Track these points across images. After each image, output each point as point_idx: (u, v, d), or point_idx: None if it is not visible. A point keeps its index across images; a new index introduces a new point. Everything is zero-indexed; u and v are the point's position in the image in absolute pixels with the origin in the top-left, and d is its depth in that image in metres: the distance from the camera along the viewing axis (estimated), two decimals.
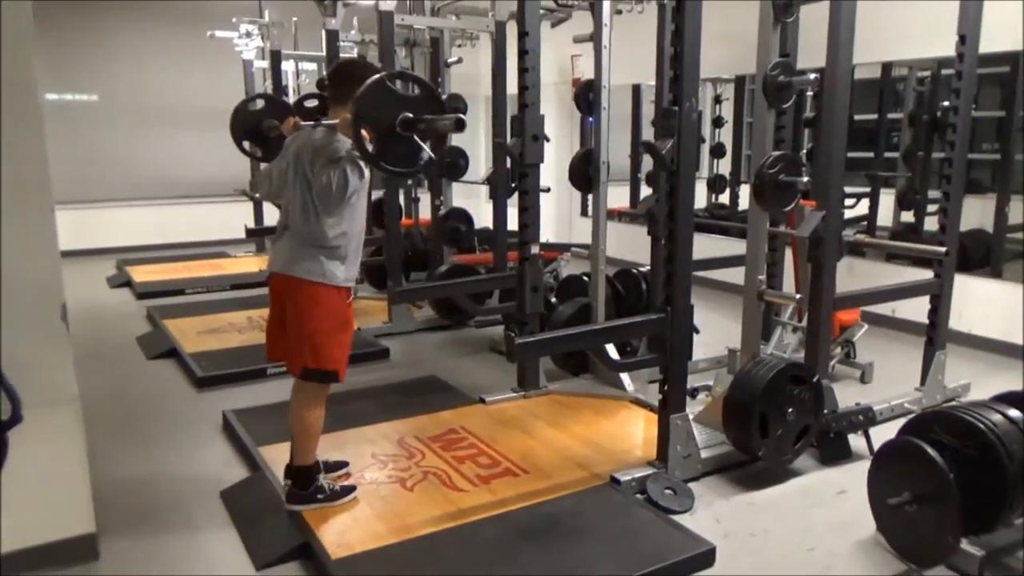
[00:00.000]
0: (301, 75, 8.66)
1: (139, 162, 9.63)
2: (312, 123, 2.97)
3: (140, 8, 9.19)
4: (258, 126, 3.96)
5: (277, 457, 3.44)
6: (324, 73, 6.79)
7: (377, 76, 2.63)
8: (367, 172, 2.80)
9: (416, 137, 2.63)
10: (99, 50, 9.27)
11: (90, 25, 9.09)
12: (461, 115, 2.63)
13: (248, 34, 8.15)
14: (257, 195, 8.22)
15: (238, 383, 4.65)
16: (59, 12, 8.62)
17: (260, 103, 4.05)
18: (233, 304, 6.57)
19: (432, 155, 2.68)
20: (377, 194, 6.34)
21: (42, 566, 2.66)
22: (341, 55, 6.50)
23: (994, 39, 4.24)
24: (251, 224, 8.69)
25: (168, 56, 9.54)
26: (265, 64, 8.43)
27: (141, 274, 7.76)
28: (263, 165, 3.12)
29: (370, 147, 2.65)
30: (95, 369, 4.83)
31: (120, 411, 4.27)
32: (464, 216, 6.63)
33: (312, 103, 6.96)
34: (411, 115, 2.62)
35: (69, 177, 7.75)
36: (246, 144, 3.91)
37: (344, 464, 3.34)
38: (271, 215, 8.74)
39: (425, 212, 6.95)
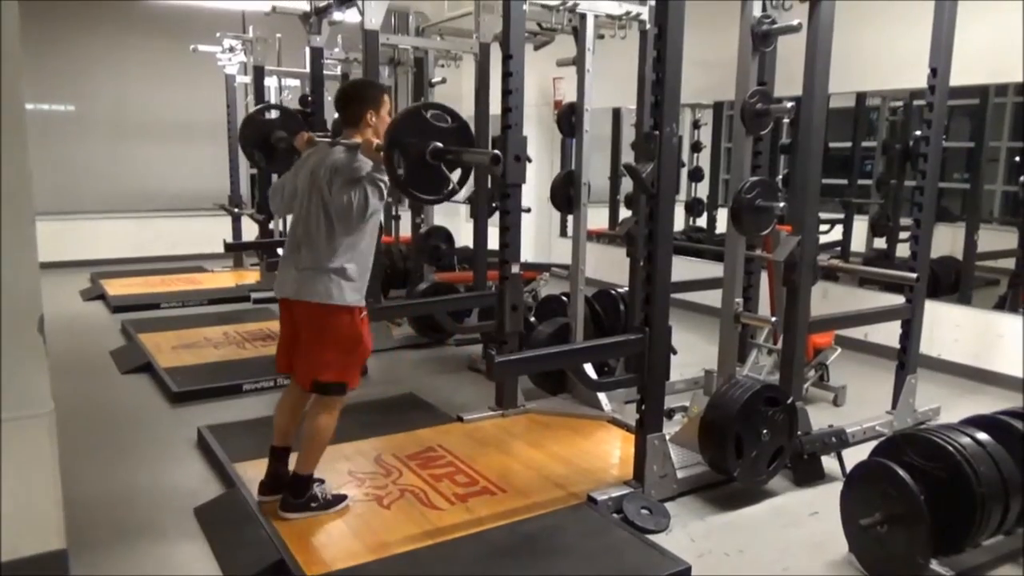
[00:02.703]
0: (284, 91, 8.67)
1: (117, 174, 9.56)
2: (329, 140, 3.03)
3: (122, 19, 9.16)
4: (268, 137, 3.98)
5: (252, 474, 3.42)
6: (307, 90, 6.82)
7: (413, 105, 2.76)
8: (386, 193, 2.86)
9: (444, 167, 2.74)
10: (79, 61, 9.22)
11: (70, 35, 9.05)
12: (497, 152, 2.70)
13: (231, 49, 8.15)
14: (249, 210, 8.20)
15: (214, 399, 4.61)
16: (39, 21, 8.59)
17: (274, 114, 4.08)
18: (210, 319, 6.53)
19: (457, 186, 2.78)
20: None
21: None
22: (325, 73, 6.53)
23: (965, 72, 4.36)
24: (230, 239, 8.64)
25: (149, 68, 9.50)
26: (248, 79, 8.43)
27: (116, 287, 7.67)
28: (275, 178, 3.18)
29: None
30: (67, 383, 4.74)
31: (93, 426, 4.21)
32: (445, 234, 6.65)
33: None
34: (441, 145, 2.72)
35: (44, 188, 7.67)
36: (255, 153, 3.97)
37: (320, 481, 3.32)
38: (250, 230, 8.71)
39: (405, 230, 6.96)
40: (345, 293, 2.92)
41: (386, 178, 2.85)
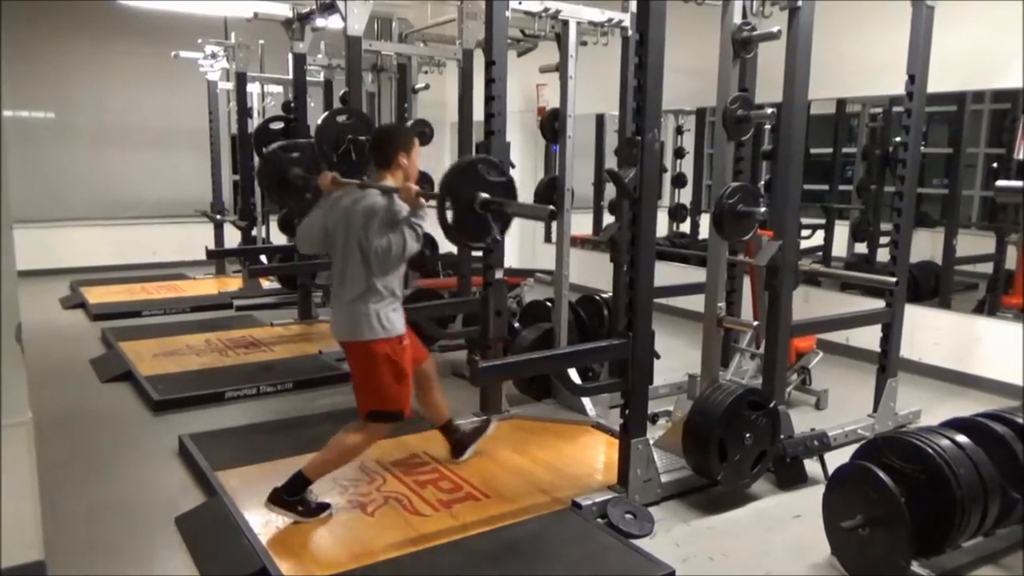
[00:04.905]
0: (266, 97, 8.63)
1: (98, 181, 9.47)
2: (358, 182, 3.17)
3: (103, 25, 9.08)
4: (285, 174, 4.07)
5: (234, 482, 3.40)
6: (290, 96, 6.80)
7: (467, 158, 2.96)
8: (421, 236, 3.01)
9: (490, 217, 2.93)
10: (58, 67, 9.12)
11: (49, 41, 8.96)
12: (554, 208, 2.86)
13: (213, 55, 8.11)
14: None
15: (196, 407, 4.57)
16: (17, 26, 8.49)
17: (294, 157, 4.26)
18: (192, 326, 6.47)
19: (498, 237, 2.98)
20: None
21: None
22: (307, 79, 6.52)
23: (942, 80, 4.42)
24: (212, 245, 8.59)
25: (131, 75, 9.43)
26: (230, 86, 8.38)
27: (96, 295, 7.60)
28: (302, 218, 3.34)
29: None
30: (46, 392, 4.69)
31: (72, 435, 4.16)
32: (429, 240, 6.64)
33: (277, 125, 6.98)
34: (489, 197, 2.91)
35: (24, 195, 7.59)
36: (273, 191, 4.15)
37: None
38: (232, 237, 8.65)
39: None
40: (384, 325, 3.04)
41: (423, 222, 3.00)
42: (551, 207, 2.91)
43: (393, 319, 3.07)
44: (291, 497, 3.06)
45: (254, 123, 7.79)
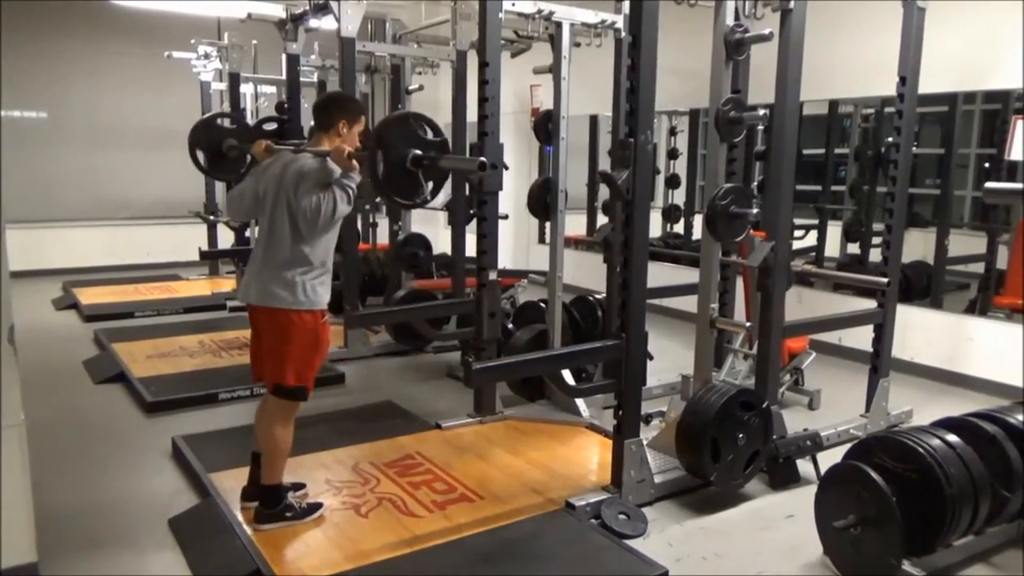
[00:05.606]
0: (260, 98, 8.61)
1: (90, 181, 9.44)
2: (293, 147, 3.05)
3: (96, 25, 9.06)
4: (219, 142, 3.95)
5: (228, 484, 3.39)
6: (284, 96, 6.79)
7: (401, 112, 2.81)
8: (353, 199, 2.89)
9: (421, 176, 2.84)
10: (51, 66, 9.09)
11: (42, 41, 8.92)
12: (484, 159, 2.80)
13: (207, 56, 8.09)
14: (225, 217, 8.12)
15: (189, 408, 4.56)
16: (10, 27, 8.46)
17: (227, 122, 4.04)
18: (185, 328, 6.45)
19: (428, 197, 2.88)
20: None
21: None
22: (301, 80, 6.51)
23: (933, 81, 4.44)
24: (205, 246, 8.57)
25: (124, 75, 9.40)
26: (223, 86, 8.36)
27: (89, 296, 7.57)
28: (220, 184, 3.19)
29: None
30: (39, 394, 4.67)
31: (65, 437, 4.15)
32: (422, 242, 6.65)
33: (271, 126, 6.96)
34: (421, 153, 2.82)
35: (16, 195, 7.56)
36: (199, 154, 3.92)
37: (302, 485, 3.31)
38: (226, 238, 8.63)
39: (383, 237, 6.94)
40: (308, 296, 2.93)
41: (355, 184, 2.89)
42: (482, 158, 2.86)
43: (320, 291, 2.96)
44: (272, 509, 3.03)
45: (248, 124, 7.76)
